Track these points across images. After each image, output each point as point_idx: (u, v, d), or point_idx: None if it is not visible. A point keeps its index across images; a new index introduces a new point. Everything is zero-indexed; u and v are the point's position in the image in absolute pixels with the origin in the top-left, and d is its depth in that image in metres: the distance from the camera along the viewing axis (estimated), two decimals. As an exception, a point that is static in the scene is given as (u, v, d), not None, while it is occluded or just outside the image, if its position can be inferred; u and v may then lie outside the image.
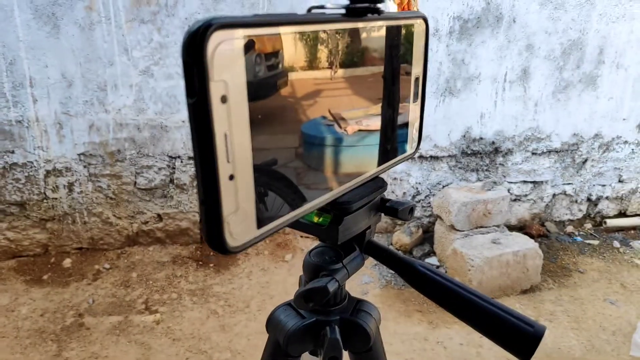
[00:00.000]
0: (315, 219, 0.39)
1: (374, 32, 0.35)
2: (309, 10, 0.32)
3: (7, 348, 1.73)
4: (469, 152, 2.39)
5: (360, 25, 0.34)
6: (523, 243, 2.10)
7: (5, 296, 2.02)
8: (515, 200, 2.52)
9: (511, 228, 2.41)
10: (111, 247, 2.30)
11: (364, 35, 0.34)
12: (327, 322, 0.46)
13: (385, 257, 0.42)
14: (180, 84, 2.03)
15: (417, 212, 2.50)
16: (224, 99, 0.25)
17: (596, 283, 2.23)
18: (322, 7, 0.32)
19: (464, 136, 2.36)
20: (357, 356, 0.48)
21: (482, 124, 2.34)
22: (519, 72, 2.27)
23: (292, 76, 0.30)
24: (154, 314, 1.94)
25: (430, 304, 2.03)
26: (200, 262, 2.27)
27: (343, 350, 0.44)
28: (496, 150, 2.41)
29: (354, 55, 0.33)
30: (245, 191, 0.28)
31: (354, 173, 0.37)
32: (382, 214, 0.43)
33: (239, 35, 0.25)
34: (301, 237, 2.46)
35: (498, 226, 2.24)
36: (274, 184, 0.30)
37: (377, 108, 0.37)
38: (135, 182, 2.20)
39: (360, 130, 0.36)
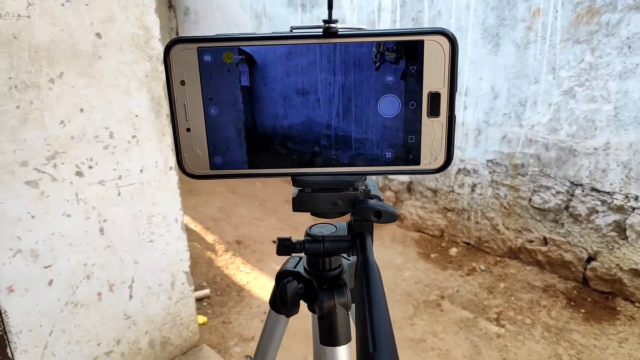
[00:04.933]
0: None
1: (341, 47, 0.39)
2: (291, 29, 0.40)
3: (383, 295, 2.18)
4: None
5: (315, 41, 0.39)
6: None
7: (400, 258, 2.51)
8: None
9: None
10: (492, 252, 2.42)
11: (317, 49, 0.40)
12: (301, 278, 0.55)
13: (358, 248, 0.42)
14: (604, 108, 1.87)
15: None
16: (182, 83, 0.41)
17: None
18: (304, 27, 0.40)
19: None
20: (319, 320, 0.55)
21: None
22: None
23: (250, 74, 0.41)
24: (500, 327, 1.96)
25: None
26: (572, 303, 2.07)
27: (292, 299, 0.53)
28: None
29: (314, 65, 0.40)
30: (198, 141, 0.42)
31: (317, 161, 0.42)
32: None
33: (193, 47, 0.40)
34: None
35: None
36: (228, 145, 0.42)
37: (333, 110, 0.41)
38: (530, 199, 2.21)
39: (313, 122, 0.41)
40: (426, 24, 2.37)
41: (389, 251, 2.59)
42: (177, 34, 4.48)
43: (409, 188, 2.72)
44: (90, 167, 1.28)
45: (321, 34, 0.39)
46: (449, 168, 2.46)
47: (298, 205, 0.46)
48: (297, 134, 0.41)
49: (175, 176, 1.49)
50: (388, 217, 0.43)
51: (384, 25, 2.59)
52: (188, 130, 0.42)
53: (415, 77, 0.39)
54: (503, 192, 2.29)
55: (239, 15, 3.71)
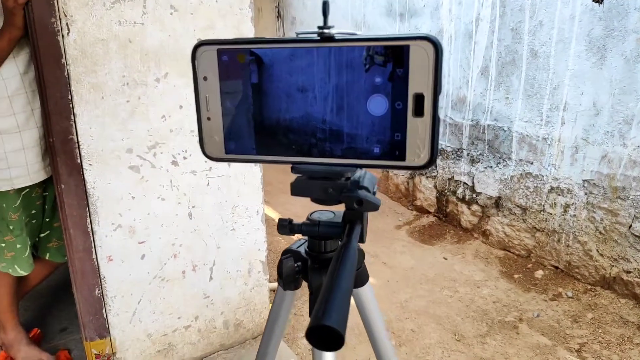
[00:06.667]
0: None
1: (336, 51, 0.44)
2: (297, 34, 0.44)
3: (456, 309, 2.14)
4: None
5: (313, 45, 0.45)
6: None
7: (481, 275, 2.43)
8: None
9: None
10: (582, 279, 2.25)
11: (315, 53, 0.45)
12: (299, 256, 0.61)
13: (345, 232, 0.45)
14: None
15: None
16: (205, 79, 0.47)
17: None
18: (306, 32, 0.44)
19: None
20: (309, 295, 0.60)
21: None
22: None
23: (259, 72, 0.47)
24: None
25: None
26: (672, 344, 1.87)
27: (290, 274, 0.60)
28: None
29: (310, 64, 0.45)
30: (216, 128, 0.49)
31: (314, 151, 0.47)
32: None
33: (213, 49, 0.46)
34: None
35: None
36: (240, 134, 0.48)
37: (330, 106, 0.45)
38: (630, 226, 2.03)
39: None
40: (526, 36, 2.28)
41: (469, 267, 2.51)
42: (282, 41, 4.72)
43: (497, 203, 2.62)
44: (185, 158, 1.43)
45: (318, 38, 0.44)
46: (541, 186, 2.34)
47: (295, 190, 0.52)
48: (297, 126, 0.47)
49: (259, 172, 1.60)
50: (369, 206, 0.47)
51: (482, 36, 2.53)
52: (209, 119, 0.49)
53: (401, 79, 0.42)
54: (599, 216, 2.13)
55: (340, 24, 3.83)
